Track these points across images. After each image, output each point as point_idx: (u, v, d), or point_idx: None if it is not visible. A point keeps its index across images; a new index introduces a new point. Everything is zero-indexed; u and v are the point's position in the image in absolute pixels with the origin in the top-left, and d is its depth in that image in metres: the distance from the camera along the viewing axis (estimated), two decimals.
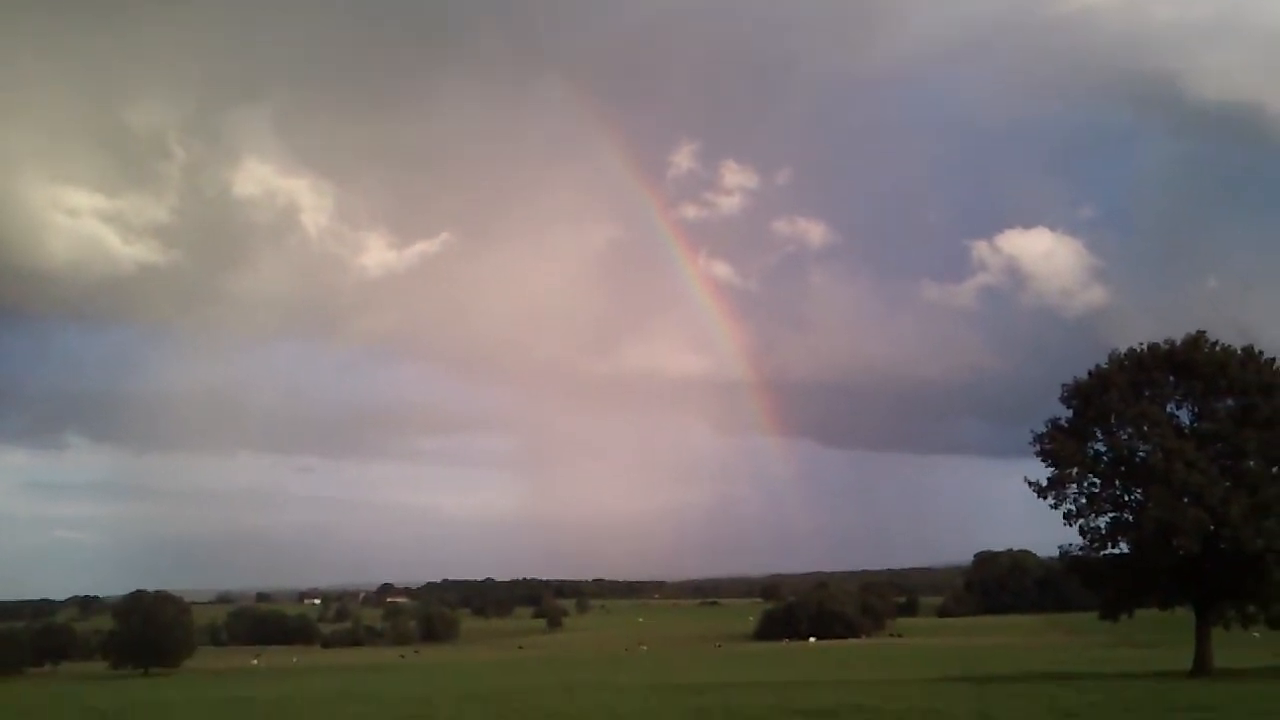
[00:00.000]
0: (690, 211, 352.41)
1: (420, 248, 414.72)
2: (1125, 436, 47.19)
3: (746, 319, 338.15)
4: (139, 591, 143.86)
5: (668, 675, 64.15)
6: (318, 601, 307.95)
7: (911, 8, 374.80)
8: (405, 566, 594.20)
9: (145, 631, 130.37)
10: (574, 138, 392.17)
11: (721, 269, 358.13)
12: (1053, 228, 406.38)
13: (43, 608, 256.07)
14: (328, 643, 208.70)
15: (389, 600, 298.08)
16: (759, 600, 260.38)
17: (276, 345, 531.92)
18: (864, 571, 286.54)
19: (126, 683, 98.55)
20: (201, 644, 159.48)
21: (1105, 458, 47.79)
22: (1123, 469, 47.11)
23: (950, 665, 66.16)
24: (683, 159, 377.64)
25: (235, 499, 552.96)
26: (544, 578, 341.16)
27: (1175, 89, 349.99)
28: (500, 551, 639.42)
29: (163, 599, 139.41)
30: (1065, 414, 48.55)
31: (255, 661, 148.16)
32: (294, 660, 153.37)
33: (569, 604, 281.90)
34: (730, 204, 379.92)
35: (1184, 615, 53.07)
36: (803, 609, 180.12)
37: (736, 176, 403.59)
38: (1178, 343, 46.89)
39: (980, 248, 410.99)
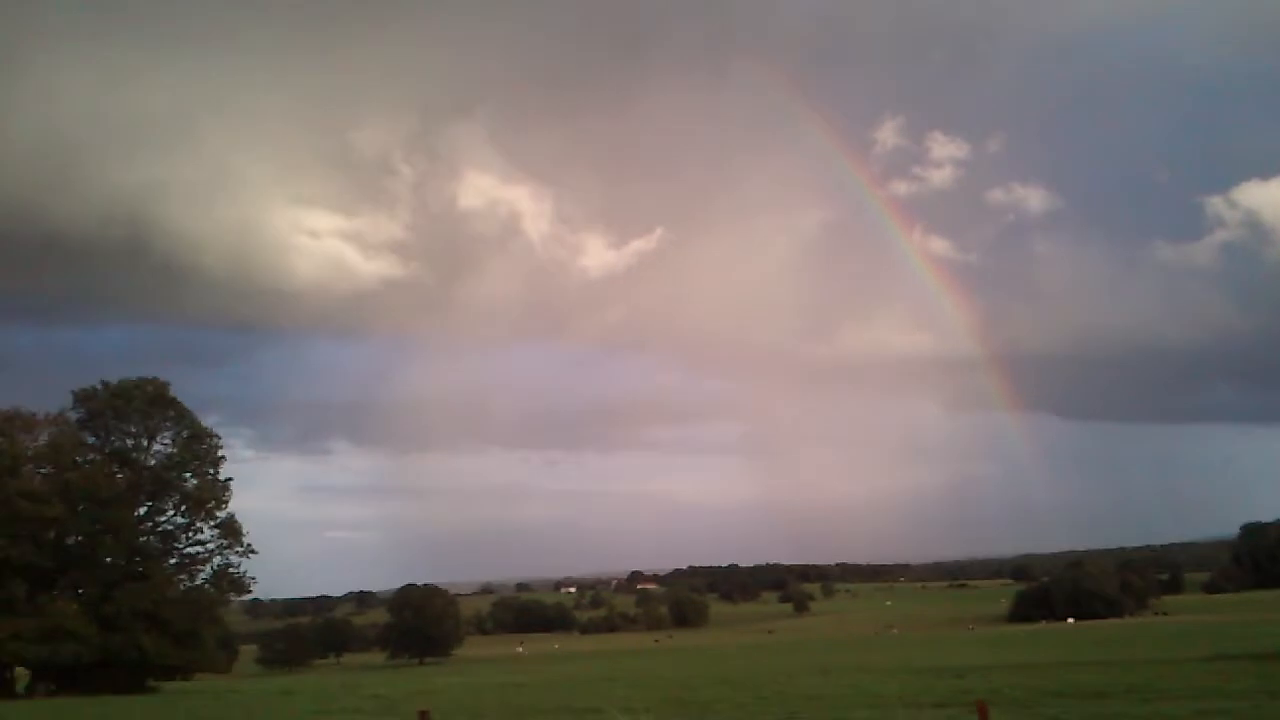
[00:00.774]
0: (901, 187, 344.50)
1: (637, 245, 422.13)
2: None
3: (970, 293, 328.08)
4: (409, 585, 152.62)
5: (923, 658, 63.87)
6: (573, 590, 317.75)
7: None
8: (651, 553, 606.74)
9: (418, 623, 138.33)
10: (775, 122, 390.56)
11: (939, 244, 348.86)
12: None
13: (323, 604, 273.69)
14: (585, 629, 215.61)
15: (639, 587, 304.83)
16: (1009, 581, 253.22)
17: (512, 347, 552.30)
18: (1119, 549, 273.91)
19: (405, 671, 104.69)
20: (468, 633, 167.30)
21: None
22: None
23: (1224, 643, 63.17)
24: (887, 135, 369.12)
25: (490, 494, 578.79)
26: (787, 563, 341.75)
27: None
28: (741, 537, 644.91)
29: (431, 592, 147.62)
30: None
31: (519, 649, 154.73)
32: (555, 647, 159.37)
33: (814, 588, 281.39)
34: (941, 176, 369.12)
35: None
36: (1058, 589, 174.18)
37: (945, 148, 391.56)
38: None
39: (1215, 203, 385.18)
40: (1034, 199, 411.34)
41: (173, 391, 57.65)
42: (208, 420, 59.22)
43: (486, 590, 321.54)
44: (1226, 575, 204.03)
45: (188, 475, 56.84)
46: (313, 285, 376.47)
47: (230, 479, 57.98)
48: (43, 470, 54.56)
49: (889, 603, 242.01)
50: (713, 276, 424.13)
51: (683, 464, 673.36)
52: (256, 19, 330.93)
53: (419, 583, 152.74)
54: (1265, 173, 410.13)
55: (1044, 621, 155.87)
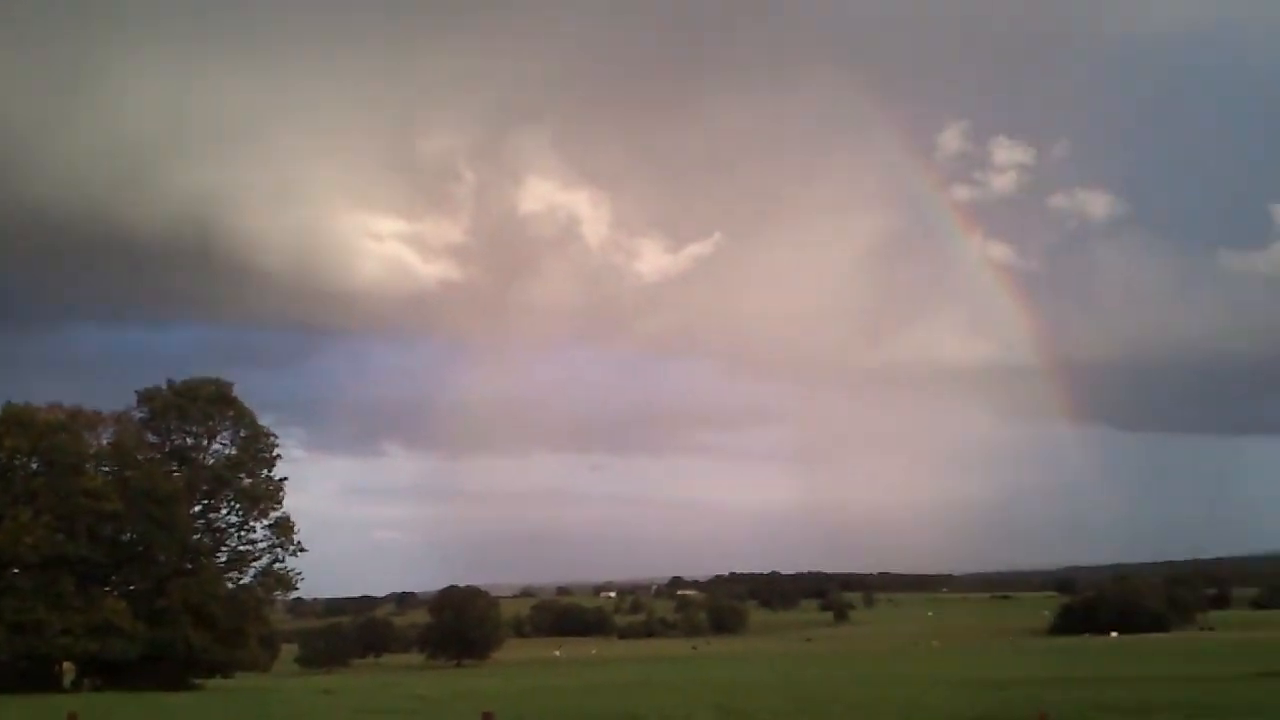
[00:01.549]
0: (962, 192, 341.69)
1: (694, 250, 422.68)
2: None
3: (1029, 300, 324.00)
4: (451, 587, 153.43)
5: (965, 670, 63.45)
6: (613, 594, 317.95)
7: None
8: (693, 560, 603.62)
9: (458, 625, 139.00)
10: (838, 127, 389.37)
11: (999, 250, 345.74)
12: None
13: (364, 603, 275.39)
14: (623, 634, 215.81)
15: (679, 593, 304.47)
16: (1053, 594, 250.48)
17: (564, 351, 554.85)
18: (1167, 563, 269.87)
19: (444, 673, 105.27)
20: (507, 636, 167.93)
21: None
22: None
23: (1272, 660, 62.26)
24: (950, 139, 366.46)
25: (535, 497, 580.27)
26: (828, 571, 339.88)
27: None
28: (783, 544, 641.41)
29: (472, 594, 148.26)
30: None
31: (557, 653, 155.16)
32: (593, 651, 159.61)
33: (855, 597, 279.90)
34: (1004, 181, 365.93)
35: None
36: (1103, 602, 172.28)
37: (1009, 153, 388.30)
38: None
39: None
40: (1097, 205, 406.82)
41: (234, 392, 58.48)
42: (264, 420, 59.89)
43: (527, 593, 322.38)
44: (1275, 591, 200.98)
45: (243, 475, 57.55)
46: (373, 287, 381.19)
47: (284, 479, 58.73)
48: (105, 468, 55.46)
49: (930, 613, 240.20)
50: (768, 281, 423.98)
51: (729, 469, 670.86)
52: (327, 26, 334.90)
53: (460, 584, 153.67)
54: None
55: (1087, 635, 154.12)
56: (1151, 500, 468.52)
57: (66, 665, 55.05)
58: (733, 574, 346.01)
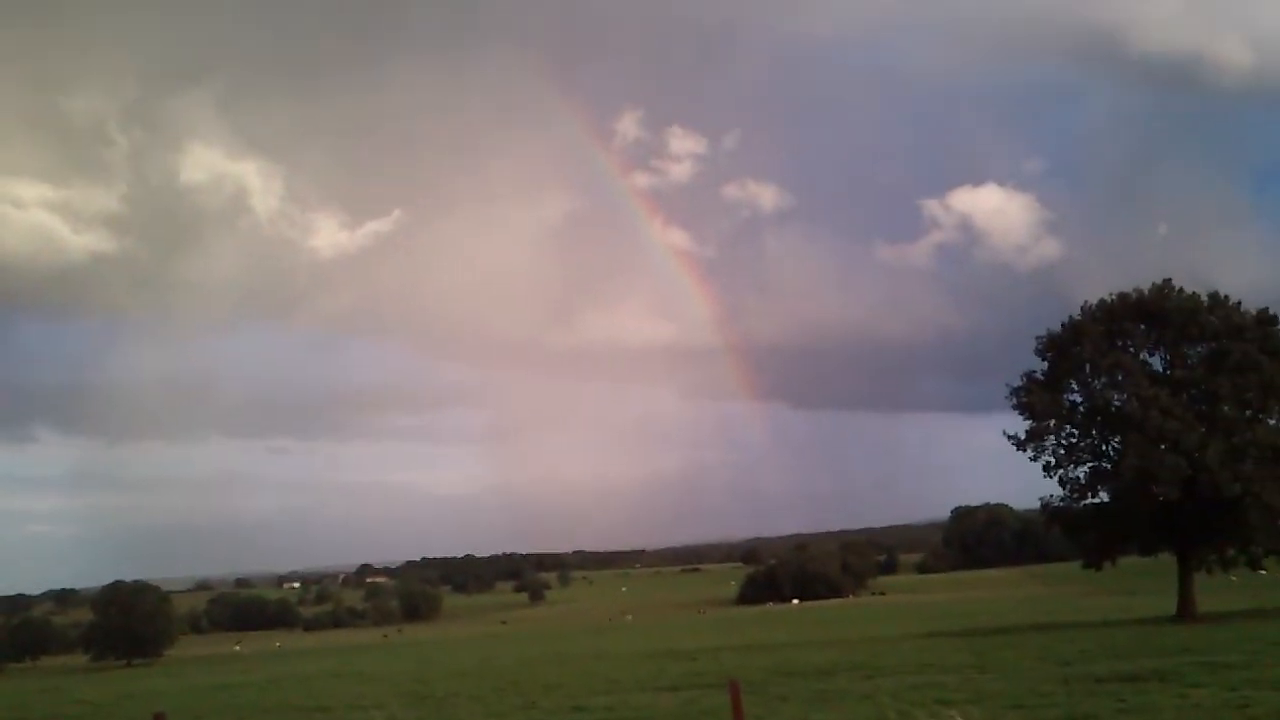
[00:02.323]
0: (641, 179, 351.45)
1: (373, 226, 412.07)
2: (1100, 386, 47.63)
3: (708, 285, 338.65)
4: (117, 582, 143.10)
5: (657, 642, 64.48)
6: (297, 585, 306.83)
7: None
8: (384, 546, 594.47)
9: (125, 622, 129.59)
10: (521, 109, 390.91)
11: (678, 236, 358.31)
12: (1002, 183, 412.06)
13: (19, 603, 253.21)
14: (309, 626, 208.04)
15: (369, 581, 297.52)
16: (740, 565, 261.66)
17: (237, 330, 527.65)
18: (842, 532, 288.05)
19: (110, 674, 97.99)
20: (182, 632, 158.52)
21: (1081, 408, 48.27)
22: (1099, 419, 47.57)
23: (936, 621, 66.84)
24: (628, 126, 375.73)
25: (210, 485, 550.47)
26: (524, 552, 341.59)
27: (1117, 42, 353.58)
28: (478, 527, 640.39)
29: (141, 589, 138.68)
30: (1039, 366, 49.02)
31: (237, 648, 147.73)
32: (276, 645, 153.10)
33: (550, 577, 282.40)
34: (680, 170, 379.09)
35: (1156, 562, 53.90)
36: (784, 571, 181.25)
37: (684, 142, 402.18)
38: (1145, 291, 47.28)
39: (932, 206, 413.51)
40: (767, 196, 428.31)
41: None
42: None
43: (203, 586, 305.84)
44: (937, 556, 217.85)
45: None
46: (16, 259, 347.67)
47: None
48: None
49: (624, 589, 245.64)
50: (454, 261, 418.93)
51: (419, 452, 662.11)
52: None
53: (128, 579, 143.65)
54: (976, 179, 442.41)
55: (771, 603, 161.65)
56: (825, 473, 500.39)
57: None
58: (425, 559, 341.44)
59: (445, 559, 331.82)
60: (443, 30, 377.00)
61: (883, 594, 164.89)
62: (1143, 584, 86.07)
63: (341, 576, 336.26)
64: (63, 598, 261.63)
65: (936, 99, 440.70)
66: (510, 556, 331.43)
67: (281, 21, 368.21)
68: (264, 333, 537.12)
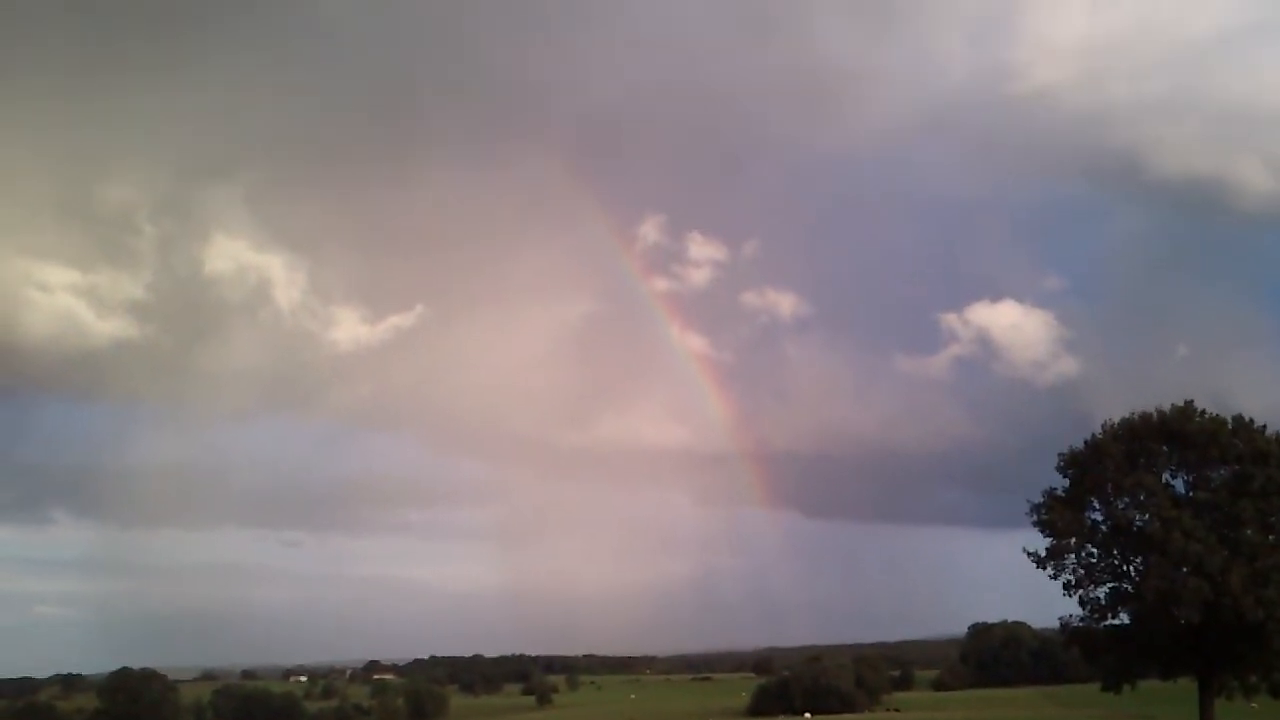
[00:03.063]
0: (661, 284, 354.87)
1: (394, 321, 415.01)
2: (1122, 506, 47.36)
3: (724, 391, 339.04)
4: (124, 669, 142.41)
5: None
6: (304, 679, 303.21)
7: (877, 84, 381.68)
8: (392, 642, 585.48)
9: (131, 710, 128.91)
10: (546, 210, 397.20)
11: (696, 341, 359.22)
12: (1020, 300, 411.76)
13: (24, 686, 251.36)
14: None
15: (376, 677, 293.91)
16: (751, 675, 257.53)
17: (254, 420, 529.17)
18: (856, 645, 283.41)
19: None
20: None
21: (1103, 527, 47.94)
22: (1121, 539, 47.21)
23: None
24: (650, 231, 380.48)
25: (221, 574, 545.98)
26: (532, 653, 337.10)
27: (1136, 164, 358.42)
28: (488, 626, 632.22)
29: (148, 676, 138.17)
30: (1059, 483, 48.84)
31: None
32: None
33: (559, 680, 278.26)
34: (700, 276, 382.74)
35: (1177, 687, 52.89)
36: (797, 684, 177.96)
37: (704, 248, 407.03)
38: (1166, 411, 47.31)
39: (950, 319, 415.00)
40: (785, 304, 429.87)
41: None
42: None
43: (209, 676, 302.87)
44: (953, 673, 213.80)
45: None
46: (41, 342, 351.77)
47: None
48: None
49: (633, 695, 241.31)
50: (472, 358, 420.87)
51: (431, 549, 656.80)
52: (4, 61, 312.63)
53: (135, 666, 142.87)
54: (994, 295, 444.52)
55: (782, 715, 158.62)
56: (839, 584, 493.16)
57: None
58: (433, 657, 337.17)
59: (453, 658, 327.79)
60: (470, 129, 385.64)
61: (898, 710, 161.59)
62: (1162, 709, 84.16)
63: (349, 672, 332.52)
64: (69, 682, 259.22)
65: (956, 213, 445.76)
66: (519, 658, 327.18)
67: (312, 117, 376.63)
68: (281, 423, 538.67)
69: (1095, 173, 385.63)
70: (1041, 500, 48.37)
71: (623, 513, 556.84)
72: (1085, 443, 48.31)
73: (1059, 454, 48.77)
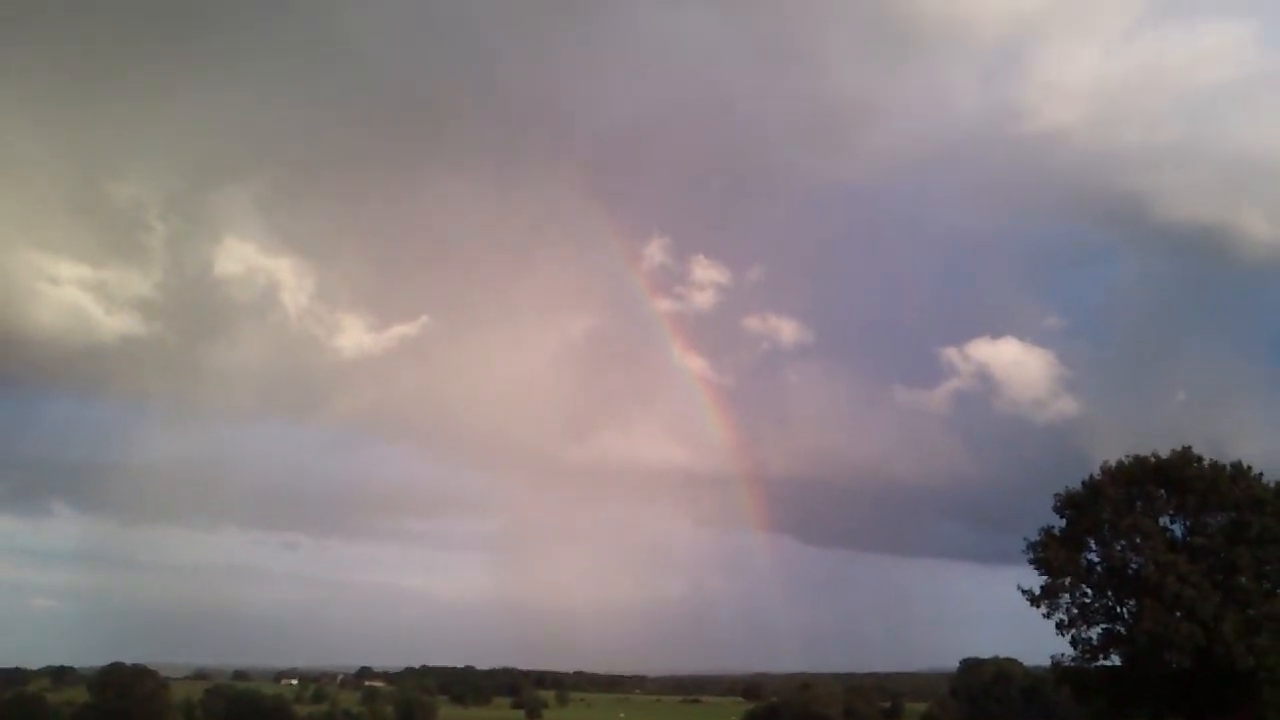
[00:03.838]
0: (664, 304, 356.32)
1: (399, 330, 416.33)
2: (1119, 548, 47.66)
3: (724, 413, 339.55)
4: (115, 664, 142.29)
5: None
6: (295, 682, 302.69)
7: (889, 117, 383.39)
8: (385, 649, 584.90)
9: (121, 705, 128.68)
10: (552, 227, 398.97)
11: (697, 363, 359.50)
12: (1021, 338, 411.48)
13: (15, 676, 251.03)
14: None
15: (366, 684, 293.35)
16: (740, 700, 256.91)
17: (257, 422, 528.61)
18: (847, 674, 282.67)
19: None
20: None
21: (1098, 568, 48.22)
22: (1115, 580, 47.50)
23: None
24: (655, 252, 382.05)
25: (218, 574, 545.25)
26: (524, 667, 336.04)
27: (1143, 208, 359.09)
28: (481, 638, 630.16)
29: (140, 672, 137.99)
30: (1055, 522, 49.12)
31: None
32: None
33: (549, 695, 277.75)
34: (703, 298, 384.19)
35: None
36: (786, 710, 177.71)
37: (706, 271, 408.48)
38: (1165, 455, 47.60)
39: (950, 354, 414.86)
40: (787, 331, 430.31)
41: None
42: None
43: (201, 675, 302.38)
44: (943, 707, 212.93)
45: None
46: (49, 335, 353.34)
47: None
48: None
49: (622, 715, 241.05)
50: (476, 370, 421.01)
51: (427, 558, 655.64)
52: (15, 52, 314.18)
53: (127, 661, 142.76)
54: (995, 331, 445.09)
55: None
56: (832, 612, 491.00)
57: None
58: (425, 666, 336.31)
59: (445, 669, 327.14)
60: (483, 142, 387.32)
61: None
62: None
63: (340, 677, 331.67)
64: (60, 675, 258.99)
65: (960, 249, 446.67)
66: (510, 671, 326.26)
67: (326, 123, 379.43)
68: (284, 427, 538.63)
69: (1103, 216, 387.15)
70: (1038, 538, 48.67)
71: (620, 529, 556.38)
72: (1083, 483, 48.67)
73: (1056, 494, 49.13)
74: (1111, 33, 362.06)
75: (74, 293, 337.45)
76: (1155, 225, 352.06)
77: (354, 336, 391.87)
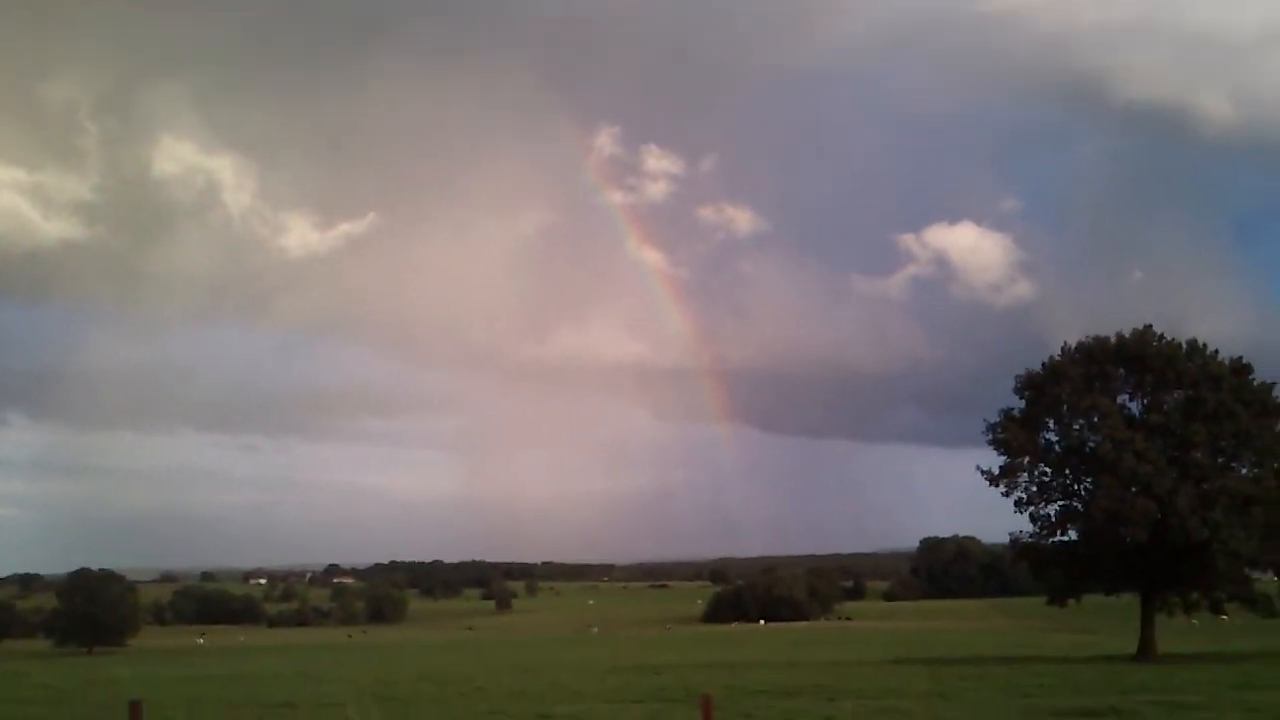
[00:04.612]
0: (617, 197, 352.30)
1: (345, 228, 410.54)
2: (1077, 427, 48.10)
3: (681, 306, 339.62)
4: (83, 569, 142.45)
5: (623, 656, 64.55)
6: (263, 581, 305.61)
7: (845, 2, 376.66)
8: (352, 547, 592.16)
9: (90, 609, 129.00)
10: (500, 120, 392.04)
11: (653, 256, 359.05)
12: (978, 222, 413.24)
13: None
14: (273, 622, 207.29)
15: (336, 581, 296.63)
16: (707, 584, 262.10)
17: (207, 324, 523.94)
18: (810, 556, 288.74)
19: (73, 660, 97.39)
20: (145, 623, 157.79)
21: (1056, 447, 48.73)
22: (1073, 459, 48.02)
23: (900, 648, 67.11)
24: (605, 143, 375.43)
25: (179, 478, 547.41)
26: (492, 560, 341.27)
27: (1102, 88, 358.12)
28: (448, 533, 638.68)
29: (107, 577, 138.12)
30: (1015, 404, 49.44)
31: (200, 640, 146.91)
32: (240, 639, 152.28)
33: (518, 586, 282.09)
34: (656, 189, 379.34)
35: (1120, 602, 54.37)
36: (751, 593, 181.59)
37: (659, 161, 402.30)
38: (1125, 335, 47.84)
39: (908, 240, 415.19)
40: (743, 220, 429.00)
41: None
42: None
43: (168, 578, 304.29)
44: (904, 585, 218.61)
45: None
46: None
47: None
48: None
49: (591, 601, 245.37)
50: (428, 268, 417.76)
51: (391, 456, 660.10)
52: None
53: (93, 567, 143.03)
54: (952, 216, 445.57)
55: (737, 623, 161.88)
56: (795, 497, 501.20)
57: None
58: (393, 562, 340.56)
59: (413, 563, 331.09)
60: (429, 36, 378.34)
61: (849, 619, 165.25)
62: (1104, 623, 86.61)
63: (308, 575, 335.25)
64: (26, 582, 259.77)
65: (917, 134, 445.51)
66: (478, 564, 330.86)
67: (264, 18, 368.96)
68: (235, 329, 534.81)
69: (1062, 97, 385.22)
70: (997, 420, 49.03)
71: (581, 424, 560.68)
72: (1043, 365, 48.89)
73: (1016, 376, 49.36)
74: None
75: (10, 197, 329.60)
76: (1114, 105, 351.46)
77: (300, 235, 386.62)
